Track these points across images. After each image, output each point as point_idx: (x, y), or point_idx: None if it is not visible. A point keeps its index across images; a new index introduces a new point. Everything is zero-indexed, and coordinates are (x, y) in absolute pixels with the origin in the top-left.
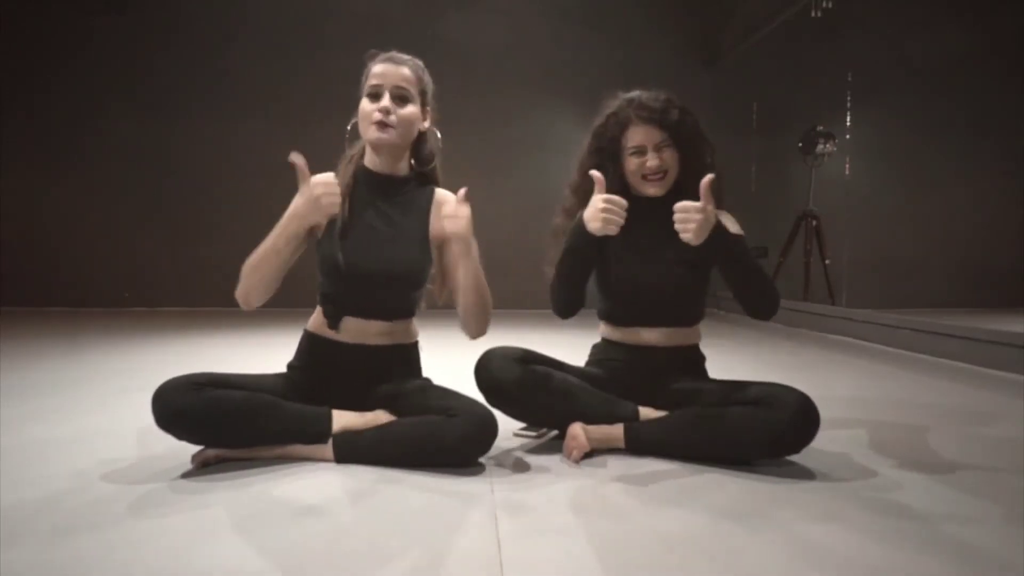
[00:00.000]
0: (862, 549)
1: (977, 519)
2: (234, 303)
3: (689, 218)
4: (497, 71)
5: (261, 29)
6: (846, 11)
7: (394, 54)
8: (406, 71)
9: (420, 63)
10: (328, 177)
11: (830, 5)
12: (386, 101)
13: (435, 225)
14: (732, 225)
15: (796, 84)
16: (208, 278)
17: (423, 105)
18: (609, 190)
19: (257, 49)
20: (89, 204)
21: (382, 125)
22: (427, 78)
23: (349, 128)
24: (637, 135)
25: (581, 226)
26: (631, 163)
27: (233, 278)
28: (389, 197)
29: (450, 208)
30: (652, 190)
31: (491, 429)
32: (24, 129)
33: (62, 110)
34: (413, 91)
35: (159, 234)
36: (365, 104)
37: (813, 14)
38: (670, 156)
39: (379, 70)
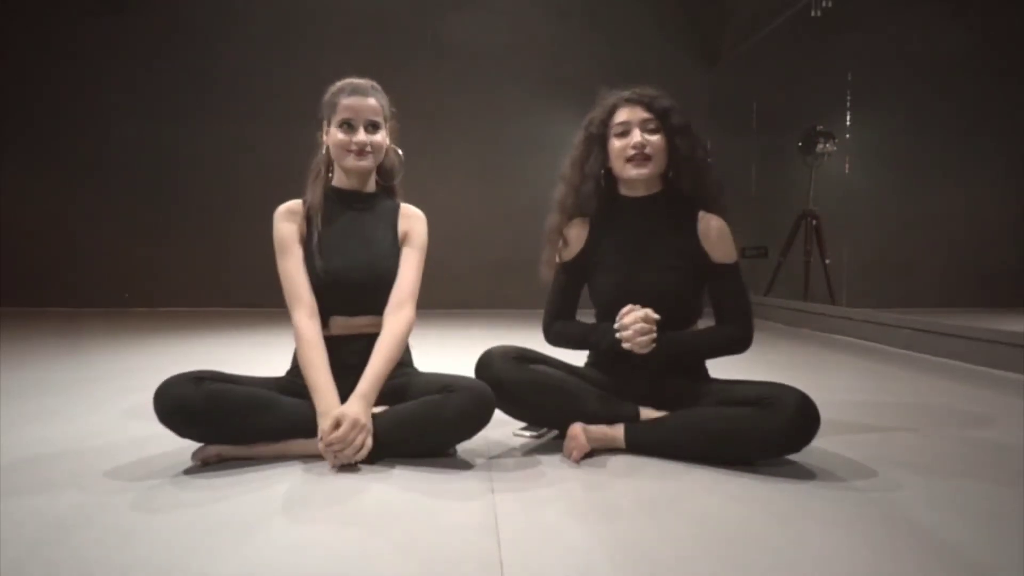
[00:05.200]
0: (862, 549)
1: (977, 519)
2: (234, 303)
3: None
4: (497, 71)
5: (261, 30)
6: (846, 11)
7: (356, 84)
8: (373, 102)
9: (377, 85)
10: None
11: (830, 5)
12: (362, 134)
13: (400, 232)
14: (724, 246)
15: (796, 84)
16: (208, 278)
17: (386, 125)
18: (592, 180)
19: (257, 50)
20: (90, 204)
21: (360, 154)
22: (385, 100)
23: (323, 152)
24: (623, 114)
25: (612, 342)
26: (616, 146)
27: (233, 278)
28: (359, 211)
29: None
30: (633, 172)
31: (488, 402)
32: (24, 129)
33: (62, 111)
34: (381, 119)
35: (159, 234)
36: (338, 134)
37: (813, 14)
38: (656, 142)
39: (350, 104)
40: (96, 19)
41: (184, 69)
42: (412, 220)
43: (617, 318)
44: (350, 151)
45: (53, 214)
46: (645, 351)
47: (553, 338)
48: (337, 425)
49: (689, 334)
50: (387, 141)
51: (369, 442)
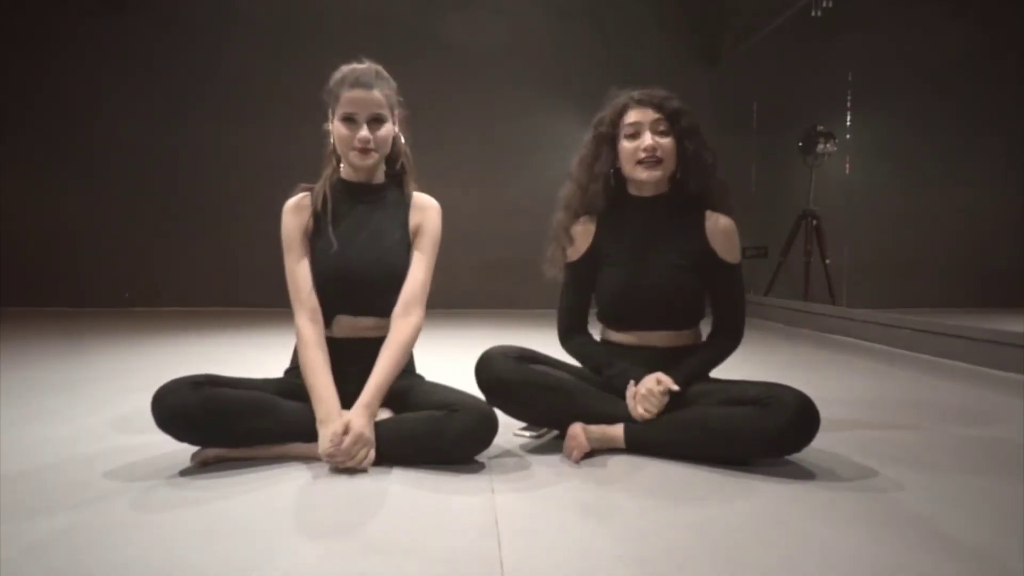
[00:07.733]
0: (862, 548)
1: (976, 518)
2: (234, 303)
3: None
4: (497, 71)
5: (261, 30)
6: (846, 11)
7: (359, 74)
8: (377, 95)
9: (381, 71)
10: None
11: (830, 5)
12: (364, 131)
13: (412, 226)
14: (731, 246)
15: (796, 84)
16: (209, 278)
17: (392, 114)
18: (601, 179)
19: (257, 50)
20: (89, 204)
21: (364, 152)
22: (391, 87)
23: (331, 143)
24: (634, 115)
25: (621, 383)
26: (626, 147)
27: (234, 278)
28: (369, 203)
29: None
30: (644, 175)
31: (491, 425)
32: (24, 129)
33: (62, 110)
34: (385, 111)
35: (160, 234)
36: (341, 129)
37: (813, 14)
38: (667, 144)
39: (352, 98)
40: (96, 19)
41: (184, 69)
42: (424, 212)
43: (640, 384)
44: (353, 148)
45: (53, 214)
46: (647, 416)
47: (570, 348)
48: (343, 432)
49: (690, 367)
50: (393, 131)
51: (372, 455)
